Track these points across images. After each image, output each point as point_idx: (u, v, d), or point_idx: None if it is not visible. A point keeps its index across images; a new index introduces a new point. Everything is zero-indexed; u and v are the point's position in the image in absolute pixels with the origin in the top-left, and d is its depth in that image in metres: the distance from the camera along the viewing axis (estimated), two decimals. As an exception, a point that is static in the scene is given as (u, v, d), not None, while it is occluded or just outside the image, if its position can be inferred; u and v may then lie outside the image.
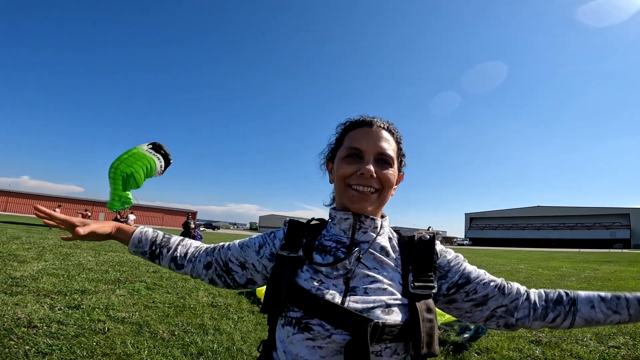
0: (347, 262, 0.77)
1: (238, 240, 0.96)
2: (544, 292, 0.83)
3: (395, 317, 0.71)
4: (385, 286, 0.75)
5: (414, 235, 0.84)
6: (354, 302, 0.72)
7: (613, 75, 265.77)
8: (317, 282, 0.75)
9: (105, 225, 0.93)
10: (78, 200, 62.99)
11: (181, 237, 1.00)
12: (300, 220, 0.91)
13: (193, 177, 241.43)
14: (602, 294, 0.80)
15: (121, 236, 0.96)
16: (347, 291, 0.74)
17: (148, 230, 0.98)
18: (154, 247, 0.95)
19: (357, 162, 0.82)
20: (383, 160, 0.82)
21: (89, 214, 21.48)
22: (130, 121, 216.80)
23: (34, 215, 0.97)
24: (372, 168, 0.80)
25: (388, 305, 0.72)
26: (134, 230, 0.97)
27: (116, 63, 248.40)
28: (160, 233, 0.99)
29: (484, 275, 0.83)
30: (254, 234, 1.02)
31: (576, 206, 79.68)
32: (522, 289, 0.83)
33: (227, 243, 0.96)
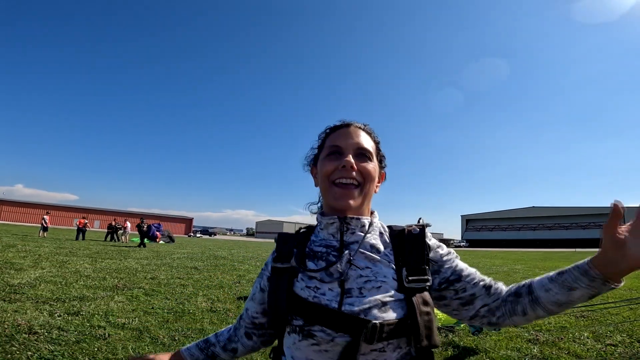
0: (338, 266, 0.77)
1: (249, 297, 0.97)
2: (511, 287, 0.83)
3: (392, 314, 0.72)
4: (380, 284, 0.75)
5: (404, 229, 0.84)
6: (350, 305, 0.73)
7: (610, 76, 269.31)
8: (312, 290, 0.76)
9: None
10: (72, 208, 62.62)
11: (217, 332, 1.02)
12: (289, 232, 0.92)
13: (189, 184, 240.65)
14: (550, 274, 0.76)
15: None
16: (343, 294, 0.75)
17: (191, 348, 0.98)
18: (207, 353, 0.97)
19: (338, 158, 0.84)
20: (362, 155, 0.85)
21: (86, 221, 21.72)
22: (127, 128, 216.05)
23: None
24: (352, 160, 0.82)
25: (384, 304, 0.73)
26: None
27: (111, 70, 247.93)
28: (201, 341, 1.00)
29: (475, 274, 0.83)
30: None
31: (571, 206, 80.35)
32: (505, 288, 0.83)
33: (245, 306, 0.99)
